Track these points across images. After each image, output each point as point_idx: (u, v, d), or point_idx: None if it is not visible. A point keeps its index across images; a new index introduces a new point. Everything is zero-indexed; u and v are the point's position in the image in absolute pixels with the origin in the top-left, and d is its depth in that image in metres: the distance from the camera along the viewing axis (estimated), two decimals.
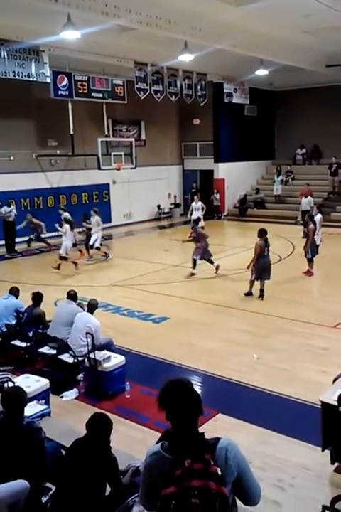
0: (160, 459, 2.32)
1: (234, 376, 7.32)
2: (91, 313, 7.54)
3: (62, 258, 14.47)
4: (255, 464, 5.10)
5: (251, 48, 16.51)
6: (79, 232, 16.21)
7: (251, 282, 11.22)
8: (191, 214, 18.53)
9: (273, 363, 8.03)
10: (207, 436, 2.39)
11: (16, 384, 5.78)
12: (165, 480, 2.20)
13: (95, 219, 15.79)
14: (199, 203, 19.13)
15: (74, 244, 15.61)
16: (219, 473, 2.19)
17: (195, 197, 20.12)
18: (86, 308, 7.76)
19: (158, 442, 2.60)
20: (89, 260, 15.58)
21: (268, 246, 11.11)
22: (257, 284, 11.24)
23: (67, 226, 14.82)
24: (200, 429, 2.39)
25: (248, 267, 11.36)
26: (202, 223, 17.95)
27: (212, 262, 13.24)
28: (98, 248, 15.73)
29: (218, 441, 2.33)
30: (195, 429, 2.34)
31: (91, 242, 15.60)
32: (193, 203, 19.29)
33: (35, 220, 16.78)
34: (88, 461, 3.35)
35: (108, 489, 3.50)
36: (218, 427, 5.97)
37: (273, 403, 6.69)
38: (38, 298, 8.19)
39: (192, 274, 13.25)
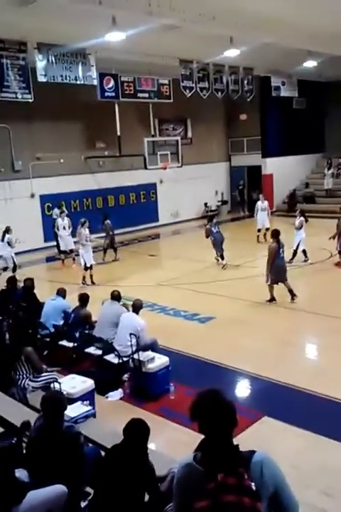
0: (192, 471, 2.25)
1: (282, 378, 7.14)
2: (137, 313, 7.58)
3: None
4: (302, 470, 4.96)
5: (299, 40, 16.03)
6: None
7: (270, 288, 10.56)
8: (257, 214, 17.78)
9: (323, 365, 7.82)
10: (251, 444, 2.31)
11: (62, 384, 5.91)
12: (197, 493, 2.13)
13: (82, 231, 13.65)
14: (266, 203, 17.93)
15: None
16: (254, 488, 2.10)
17: (261, 195, 18.60)
18: (131, 309, 7.81)
19: (194, 452, 2.54)
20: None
21: (282, 246, 10.51)
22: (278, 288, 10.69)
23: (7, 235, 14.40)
24: (245, 432, 2.31)
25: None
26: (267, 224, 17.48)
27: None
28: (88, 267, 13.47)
29: (253, 454, 2.23)
30: (228, 440, 2.24)
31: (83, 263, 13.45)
32: (259, 203, 17.93)
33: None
34: (125, 467, 3.33)
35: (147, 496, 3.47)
36: (264, 430, 5.85)
37: (323, 406, 6.47)
38: (84, 299, 8.33)
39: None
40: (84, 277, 13.27)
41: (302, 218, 13.86)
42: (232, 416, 2.26)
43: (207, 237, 14.48)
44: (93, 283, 13.32)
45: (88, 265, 13.40)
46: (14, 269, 14.13)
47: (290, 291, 10.53)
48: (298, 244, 13.60)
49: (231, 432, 2.26)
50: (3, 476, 3.16)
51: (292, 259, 13.47)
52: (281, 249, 10.47)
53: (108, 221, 16.07)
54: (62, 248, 16.05)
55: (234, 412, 2.28)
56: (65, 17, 12.33)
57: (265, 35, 14.99)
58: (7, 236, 14.34)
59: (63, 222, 16.05)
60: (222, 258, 14.32)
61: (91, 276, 13.43)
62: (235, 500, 2.06)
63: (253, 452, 2.24)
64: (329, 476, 4.99)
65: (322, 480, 4.94)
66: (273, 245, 10.49)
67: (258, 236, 17.64)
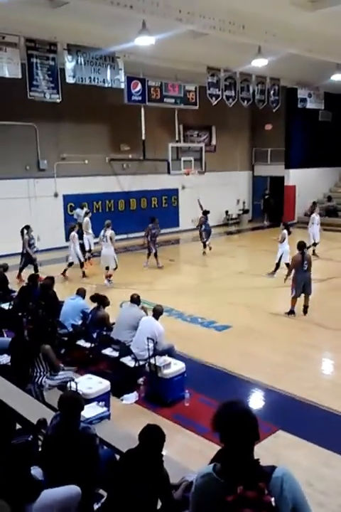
0: (211, 481, 2.24)
1: (297, 391, 7.08)
2: (156, 318, 7.61)
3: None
4: (316, 488, 4.90)
5: (327, 52, 15.98)
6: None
7: (293, 299, 10.52)
8: (311, 227, 16.96)
9: (338, 381, 7.72)
10: (264, 458, 2.29)
11: (79, 384, 5.95)
12: (216, 505, 2.14)
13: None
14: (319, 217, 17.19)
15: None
16: (274, 503, 2.10)
17: (317, 208, 17.95)
18: (150, 313, 7.84)
19: (211, 462, 2.53)
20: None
21: (307, 260, 10.42)
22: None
23: (73, 233, 14.53)
24: (259, 446, 2.30)
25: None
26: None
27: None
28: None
29: (274, 469, 2.22)
30: (250, 454, 2.24)
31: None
32: (314, 215, 17.08)
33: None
34: (139, 473, 3.33)
35: (160, 503, 3.47)
36: (278, 444, 5.80)
37: (338, 423, 6.38)
38: (102, 300, 8.36)
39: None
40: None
41: (285, 231, 13.98)
42: (254, 429, 2.25)
43: (199, 226, 17.67)
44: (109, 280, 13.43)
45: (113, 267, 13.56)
46: (81, 265, 14.41)
47: (306, 307, 10.50)
48: (281, 257, 13.68)
49: (252, 445, 2.25)
50: (18, 473, 3.20)
51: (274, 271, 13.72)
52: (305, 262, 10.39)
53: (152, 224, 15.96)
54: (87, 248, 16.17)
55: (256, 425, 2.27)
56: (95, 20, 12.49)
57: (293, 46, 14.97)
58: (72, 233, 14.53)
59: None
60: (204, 246, 17.15)
61: (109, 275, 13.52)
62: None
63: (274, 467, 2.23)
64: None
65: (336, 499, 4.88)
66: (297, 257, 10.49)
67: (314, 251, 16.46)
